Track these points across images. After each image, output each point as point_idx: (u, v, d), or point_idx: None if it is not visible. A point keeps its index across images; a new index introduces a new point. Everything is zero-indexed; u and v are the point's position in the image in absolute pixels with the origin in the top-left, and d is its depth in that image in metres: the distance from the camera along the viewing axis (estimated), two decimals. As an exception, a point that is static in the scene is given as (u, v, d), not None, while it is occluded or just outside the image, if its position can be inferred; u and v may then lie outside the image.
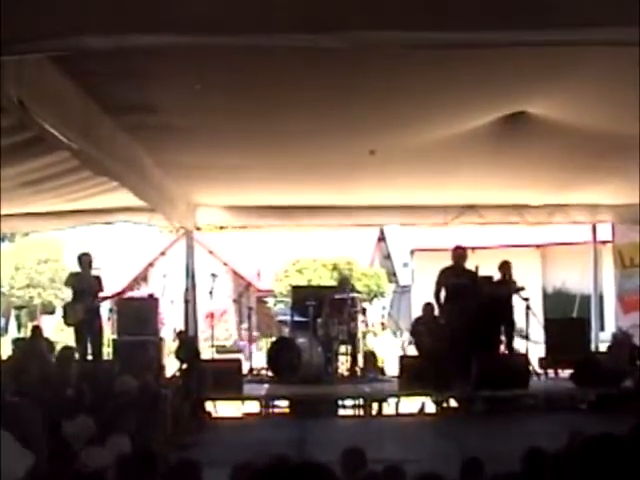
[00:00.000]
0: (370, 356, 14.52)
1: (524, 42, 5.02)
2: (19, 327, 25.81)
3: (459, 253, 12.68)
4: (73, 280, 12.86)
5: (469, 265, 12.66)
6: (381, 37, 4.74)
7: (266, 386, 13.05)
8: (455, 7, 4.63)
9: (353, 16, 4.59)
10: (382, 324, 25.06)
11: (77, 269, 13.12)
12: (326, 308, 13.77)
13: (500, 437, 9.64)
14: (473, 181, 12.51)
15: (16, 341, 12.78)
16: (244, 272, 30.91)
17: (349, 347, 14.04)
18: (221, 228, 30.65)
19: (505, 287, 13.46)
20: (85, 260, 12.90)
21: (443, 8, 4.63)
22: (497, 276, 13.66)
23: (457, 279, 12.33)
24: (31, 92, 5.79)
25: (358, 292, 16.17)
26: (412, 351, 14.08)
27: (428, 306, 13.81)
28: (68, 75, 6.65)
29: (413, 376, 12.32)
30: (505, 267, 13.66)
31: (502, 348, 13.35)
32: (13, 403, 7.93)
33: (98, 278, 12.92)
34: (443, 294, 12.42)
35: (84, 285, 12.55)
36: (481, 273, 12.99)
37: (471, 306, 12.13)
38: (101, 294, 12.90)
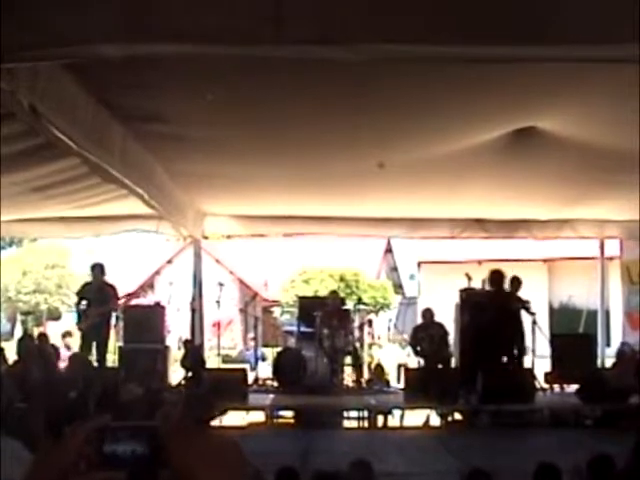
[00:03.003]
0: (377, 368, 14.52)
1: (528, 57, 5.05)
2: (25, 332, 25.80)
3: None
4: (86, 289, 13.07)
5: (476, 279, 12.77)
6: (391, 50, 4.76)
7: (271, 396, 13.04)
8: (459, 22, 4.65)
9: (364, 29, 4.61)
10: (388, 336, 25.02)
11: (84, 276, 13.24)
12: (332, 319, 13.77)
13: (504, 452, 9.61)
14: (481, 195, 12.52)
15: (20, 341, 12.82)
16: (251, 281, 30.94)
17: (355, 358, 14.05)
18: (228, 237, 30.72)
19: (515, 302, 13.51)
20: (97, 270, 13.10)
21: (448, 24, 4.66)
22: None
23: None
24: (43, 99, 5.82)
25: (364, 304, 16.18)
26: (413, 362, 14.12)
27: (427, 312, 13.90)
28: (81, 84, 6.68)
29: (418, 388, 12.31)
30: (515, 283, 13.70)
31: (509, 362, 13.38)
32: (19, 409, 7.95)
33: (113, 287, 13.14)
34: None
35: (97, 294, 12.73)
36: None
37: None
38: (119, 302, 13.18)
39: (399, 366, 14.01)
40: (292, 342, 15.42)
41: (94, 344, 12.65)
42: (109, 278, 13.77)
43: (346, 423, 12.72)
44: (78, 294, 13.33)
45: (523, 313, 13.57)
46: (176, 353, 15.32)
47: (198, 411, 10.42)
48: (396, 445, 10.78)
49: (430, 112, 8.15)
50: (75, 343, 16.03)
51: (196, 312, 14.35)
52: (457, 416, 12.56)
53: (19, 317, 27.74)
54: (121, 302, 13.67)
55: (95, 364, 12.44)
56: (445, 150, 9.66)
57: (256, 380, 13.94)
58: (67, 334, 15.89)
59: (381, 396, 13.15)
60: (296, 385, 13.13)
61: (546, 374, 13.75)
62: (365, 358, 14.58)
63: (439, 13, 4.72)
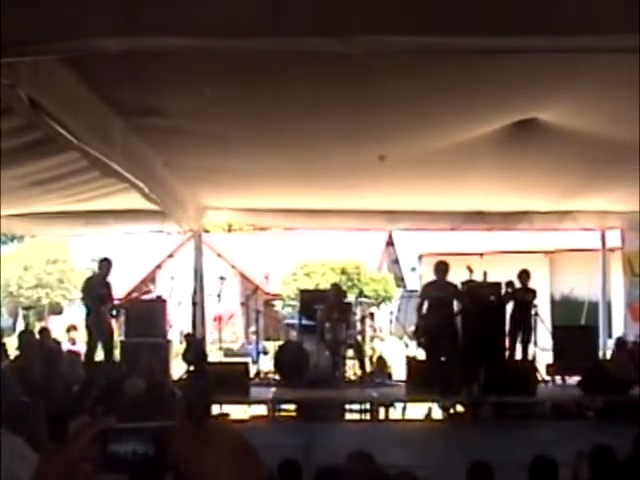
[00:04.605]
0: (379, 360, 14.52)
1: (529, 48, 5.04)
2: (27, 327, 25.81)
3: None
4: (91, 284, 13.13)
5: (478, 271, 12.79)
6: (390, 42, 4.75)
7: (273, 389, 13.05)
8: (459, 13, 4.64)
9: (362, 21, 4.60)
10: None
11: (86, 271, 13.30)
12: (334, 312, 13.76)
13: (506, 444, 9.61)
14: (483, 187, 12.51)
15: (21, 335, 12.84)
16: (252, 275, 30.92)
17: (357, 351, 14.04)
18: (229, 230, 30.68)
19: (526, 295, 13.56)
20: (105, 265, 13.15)
21: (447, 15, 4.64)
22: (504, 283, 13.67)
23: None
24: (44, 93, 5.82)
25: (366, 297, 16.16)
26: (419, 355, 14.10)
27: None
28: (81, 78, 6.67)
29: (420, 381, 12.31)
30: (524, 276, 13.73)
31: (517, 354, 13.45)
32: (21, 404, 7.93)
33: (108, 283, 13.19)
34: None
35: (103, 289, 12.83)
36: (496, 279, 13.21)
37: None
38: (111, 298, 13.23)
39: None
40: (294, 335, 15.43)
41: (100, 341, 12.75)
42: (116, 273, 13.87)
43: (348, 416, 12.73)
44: (84, 289, 13.33)
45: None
46: (178, 347, 15.32)
47: (199, 407, 10.42)
48: (398, 438, 10.79)
49: (431, 104, 8.14)
50: (80, 337, 16.05)
51: (197, 306, 14.35)
52: (459, 408, 12.56)
53: (21, 312, 27.72)
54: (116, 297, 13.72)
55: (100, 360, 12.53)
56: (446, 142, 9.64)
57: (258, 374, 13.95)
58: (72, 328, 15.91)
59: (383, 389, 13.16)
60: (298, 378, 13.14)
61: (548, 366, 13.76)
62: (367, 351, 14.56)
63: (438, 4, 4.71)
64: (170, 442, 1.35)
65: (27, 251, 32.26)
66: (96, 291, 12.82)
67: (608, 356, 14.46)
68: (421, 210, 14.95)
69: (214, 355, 15.09)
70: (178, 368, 13.52)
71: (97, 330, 12.70)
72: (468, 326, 12.95)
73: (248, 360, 14.85)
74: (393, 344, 19.45)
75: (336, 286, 15.40)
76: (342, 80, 7.08)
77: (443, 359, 12.69)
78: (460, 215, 15.11)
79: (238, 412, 12.29)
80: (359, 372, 13.85)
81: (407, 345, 16.66)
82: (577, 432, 10.01)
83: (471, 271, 13.35)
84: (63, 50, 5.08)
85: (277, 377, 13.59)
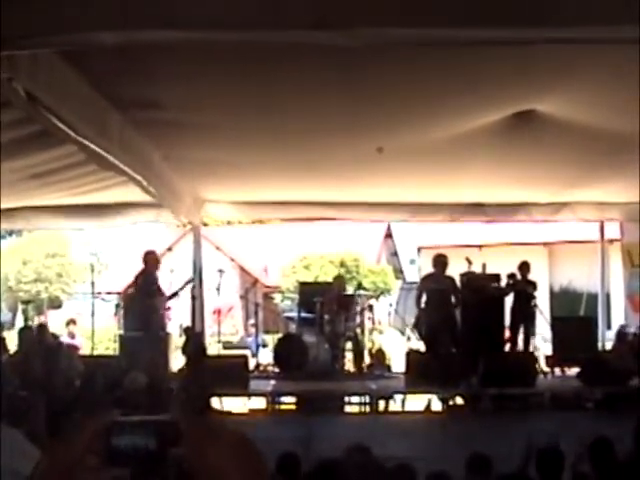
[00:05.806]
0: (378, 353, 14.52)
1: (528, 39, 5.03)
2: (26, 321, 25.80)
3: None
4: (142, 280, 13.14)
5: (477, 263, 12.79)
6: (389, 35, 4.74)
7: (272, 382, 13.05)
8: (458, 5, 4.63)
9: (361, 14, 4.59)
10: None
11: (85, 265, 13.29)
12: (333, 305, 13.76)
13: (506, 435, 9.62)
14: (481, 178, 12.50)
15: (20, 332, 12.80)
16: (251, 268, 30.91)
17: (356, 344, 14.04)
18: (228, 223, 30.66)
19: (526, 287, 13.58)
20: (151, 258, 13.02)
21: (446, 6, 4.64)
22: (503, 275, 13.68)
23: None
24: (42, 87, 5.81)
25: (365, 289, 16.16)
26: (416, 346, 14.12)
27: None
28: (79, 72, 6.66)
29: (419, 373, 12.31)
30: (524, 268, 13.75)
31: (518, 345, 13.50)
32: (21, 399, 7.93)
33: (157, 278, 13.28)
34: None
35: (153, 286, 12.86)
36: (495, 271, 13.23)
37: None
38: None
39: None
40: (293, 328, 15.42)
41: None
42: (115, 266, 13.87)
43: (347, 408, 12.72)
44: (141, 285, 13.32)
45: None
46: (177, 340, 15.32)
47: (199, 400, 10.41)
48: (398, 430, 10.79)
49: (429, 96, 8.13)
50: (79, 331, 16.04)
51: (196, 299, 14.34)
52: (459, 400, 12.56)
53: (20, 306, 27.72)
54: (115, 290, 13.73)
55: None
56: (445, 134, 9.64)
57: (257, 366, 13.95)
58: (71, 322, 15.88)
59: (382, 381, 13.16)
60: (297, 371, 13.14)
61: (547, 357, 13.77)
62: (366, 343, 14.56)
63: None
64: (174, 438, 1.34)
65: (26, 245, 32.20)
66: (148, 288, 12.85)
67: (607, 347, 14.46)
68: (420, 202, 14.93)
69: (213, 348, 15.09)
70: (177, 361, 13.52)
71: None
72: (467, 318, 12.96)
73: (247, 353, 14.85)
74: (392, 336, 19.45)
75: (340, 278, 15.40)
76: (341, 72, 7.07)
77: (442, 351, 12.69)
78: (459, 207, 15.10)
79: (237, 405, 12.30)
80: (358, 364, 13.85)
81: (409, 338, 16.65)
82: (576, 423, 10.01)
83: (470, 263, 13.36)
84: (61, 43, 5.07)
85: (276, 370, 13.59)
